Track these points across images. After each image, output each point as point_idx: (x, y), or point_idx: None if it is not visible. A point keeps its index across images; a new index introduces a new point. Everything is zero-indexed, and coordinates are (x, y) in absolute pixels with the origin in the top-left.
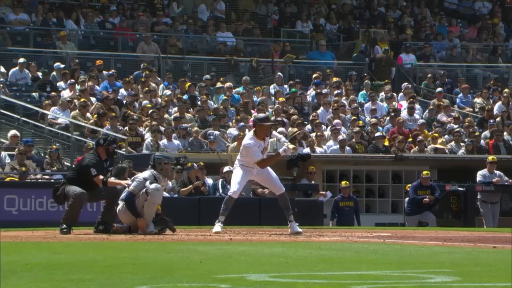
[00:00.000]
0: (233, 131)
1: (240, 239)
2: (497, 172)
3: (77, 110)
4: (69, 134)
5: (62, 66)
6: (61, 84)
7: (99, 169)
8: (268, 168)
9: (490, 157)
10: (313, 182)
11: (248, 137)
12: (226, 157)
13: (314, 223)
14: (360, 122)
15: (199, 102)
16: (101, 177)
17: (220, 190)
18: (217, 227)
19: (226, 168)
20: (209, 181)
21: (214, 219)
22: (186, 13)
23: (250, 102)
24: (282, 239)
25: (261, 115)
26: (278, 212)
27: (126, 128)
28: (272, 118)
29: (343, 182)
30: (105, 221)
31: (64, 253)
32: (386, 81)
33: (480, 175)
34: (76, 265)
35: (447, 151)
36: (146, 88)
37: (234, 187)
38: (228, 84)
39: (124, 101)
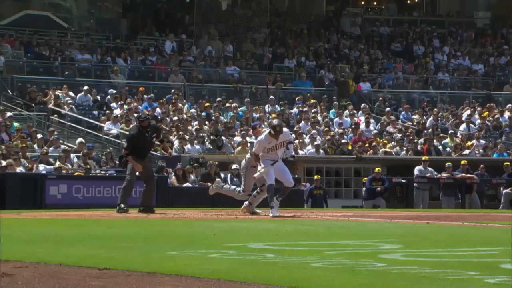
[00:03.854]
0: (238, 138)
1: (243, 217)
2: (429, 168)
3: (123, 124)
4: (119, 141)
5: (115, 92)
6: (113, 105)
7: (140, 138)
8: (283, 163)
9: (424, 157)
10: (296, 176)
11: (264, 133)
12: (233, 158)
13: (297, 206)
14: (331, 132)
15: (213, 118)
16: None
17: (229, 182)
18: (275, 211)
19: (233, 166)
20: (222, 175)
21: (225, 204)
22: (203, 53)
23: (251, 117)
24: (274, 218)
25: (275, 123)
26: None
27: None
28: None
29: (315, 176)
30: (145, 205)
31: (116, 228)
32: (349, 102)
33: (417, 169)
34: (124, 237)
35: (393, 153)
36: (174, 108)
37: (269, 178)
38: (234, 104)
39: (159, 117)
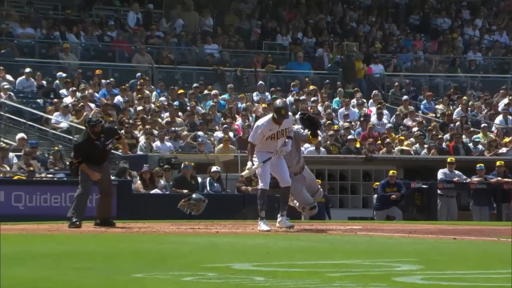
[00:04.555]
0: (219, 134)
1: (225, 231)
2: (456, 171)
3: (75, 116)
4: (71, 137)
5: (65, 75)
6: (63, 91)
7: (90, 148)
8: (283, 159)
9: (449, 158)
10: None
11: (265, 117)
12: (213, 158)
13: (292, 218)
14: (335, 126)
15: (188, 108)
16: (75, 160)
17: (208, 188)
18: (263, 225)
19: (213, 168)
20: (199, 179)
21: (204, 216)
22: (176, 28)
23: (235, 108)
24: (264, 232)
25: (279, 104)
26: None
27: (122, 131)
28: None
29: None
30: (102, 217)
31: (67, 244)
32: (356, 89)
33: (441, 173)
34: (78, 255)
35: (412, 152)
36: (140, 95)
37: (262, 181)
38: (214, 92)
39: (121, 107)
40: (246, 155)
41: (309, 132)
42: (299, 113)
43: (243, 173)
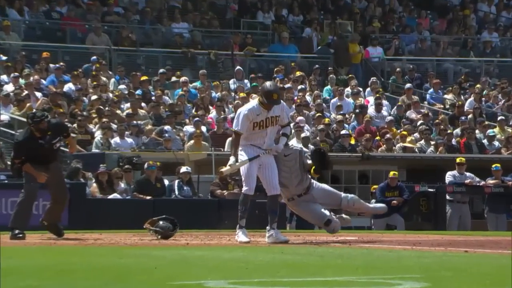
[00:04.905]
0: (189, 128)
1: (197, 243)
2: (467, 173)
3: (16, 107)
4: (13, 132)
5: (5, 58)
6: (3, 78)
7: (32, 147)
8: (274, 161)
9: (458, 159)
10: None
11: (251, 102)
12: (183, 156)
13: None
14: (325, 119)
15: (153, 98)
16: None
17: (176, 192)
18: (242, 236)
19: (183, 169)
20: (165, 182)
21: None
22: (138, 4)
23: (208, 97)
24: (242, 244)
25: (269, 87)
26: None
27: (75, 125)
28: (231, 115)
29: None
30: (50, 221)
31: (10, 259)
32: (351, 75)
33: (450, 175)
34: (23, 271)
35: (416, 150)
36: (95, 82)
37: (247, 184)
38: (184, 79)
39: (73, 96)
40: (221, 153)
41: (313, 166)
42: (313, 147)
43: (222, 169)
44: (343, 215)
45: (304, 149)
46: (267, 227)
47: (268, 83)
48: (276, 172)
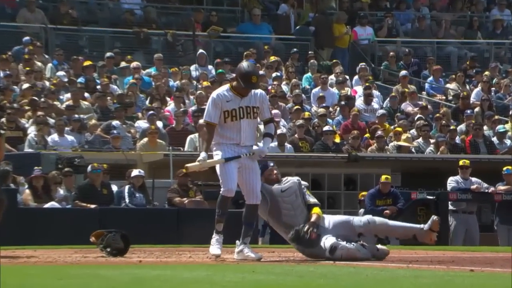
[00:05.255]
0: (142, 124)
1: (152, 261)
2: (473, 178)
3: None
4: None
5: None
6: None
7: None
8: (256, 164)
9: (461, 161)
10: None
11: (221, 87)
12: (135, 157)
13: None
14: (305, 113)
15: (98, 87)
16: None
17: (127, 200)
18: (215, 248)
19: (134, 172)
20: (114, 187)
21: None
22: None
23: (165, 87)
24: (206, 261)
25: (247, 67)
26: (203, 225)
27: (3, 119)
28: (193, 108)
29: None
30: None
31: None
32: (336, 60)
33: (452, 181)
34: None
35: (413, 150)
36: (28, 68)
37: (225, 184)
38: (136, 64)
39: (0, 85)
40: (181, 153)
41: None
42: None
43: (188, 165)
44: (379, 245)
45: (303, 182)
46: (237, 241)
47: (245, 63)
48: (259, 177)
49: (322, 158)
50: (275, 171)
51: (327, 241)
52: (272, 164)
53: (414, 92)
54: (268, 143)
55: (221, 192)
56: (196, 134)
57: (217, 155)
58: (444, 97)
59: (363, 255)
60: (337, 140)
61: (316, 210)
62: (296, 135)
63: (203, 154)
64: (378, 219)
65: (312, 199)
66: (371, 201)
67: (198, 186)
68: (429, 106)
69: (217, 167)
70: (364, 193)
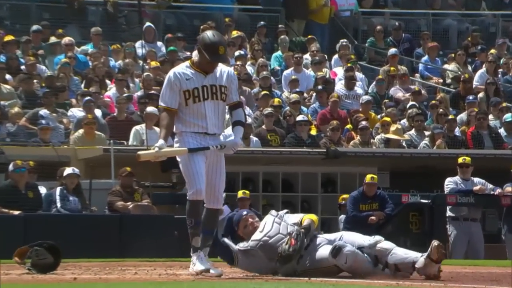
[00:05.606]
0: (77, 112)
1: (90, 278)
2: (476, 179)
3: None
4: None
5: None
6: None
7: None
8: (223, 159)
9: (461, 158)
10: None
11: (181, 65)
12: (68, 153)
13: None
14: (275, 99)
15: (23, 67)
16: None
17: (58, 204)
18: (198, 263)
19: (68, 171)
20: (42, 189)
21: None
22: None
23: (105, 67)
24: (154, 278)
25: (212, 37)
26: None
27: None
28: (139, 93)
29: (239, 192)
30: None
31: None
32: (311, 36)
33: (451, 181)
34: None
35: (404, 144)
36: None
37: (192, 183)
38: (68, 40)
39: None
40: (124, 148)
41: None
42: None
43: (141, 152)
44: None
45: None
46: (191, 252)
47: (209, 32)
48: (224, 178)
49: (295, 154)
50: (250, 220)
51: (324, 248)
52: (245, 213)
53: (405, 75)
54: (240, 133)
55: (188, 196)
56: (143, 125)
57: (178, 147)
58: (441, 80)
59: (373, 270)
60: (313, 132)
61: (308, 216)
62: (263, 126)
63: (160, 141)
64: (386, 241)
65: (299, 216)
66: (354, 205)
67: (146, 187)
68: (423, 91)
69: (181, 164)
70: (345, 196)
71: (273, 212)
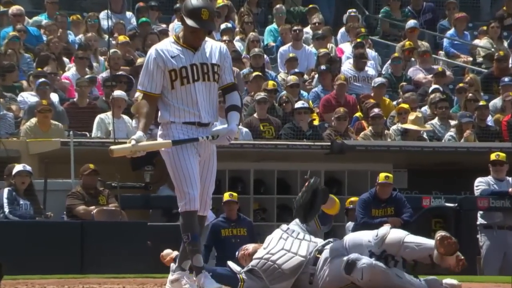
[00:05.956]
0: (28, 96)
1: None
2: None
3: None
4: None
5: None
6: None
7: None
8: (215, 154)
9: (494, 154)
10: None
11: (164, 40)
12: (17, 147)
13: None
14: (269, 82)
15: None
16: None
17: (6, 209)
18: (207, 284)
19: (17, 168)
20: None
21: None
22: None
23: (62, 42)
24: None
25: (192, 1)
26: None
27: None
28: (104, 75)
29: (226, 194)
30: None
31: None
32: (312, 6)
33: (482, 182)
34: None
35: (425, 136)
36: None
37: (183, 191)
38: (17, 9)
39: None
40: (87, 141)
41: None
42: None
43: (114, 147)
44: (446, 280)
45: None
46: (172, 265)
47: None
48: (214, 178)
49: (293, 148)
50: (242, 253)
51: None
52: (237, 253)
53: (427, 52)
54: (236, 119)
55: (180, 208)
56: (109, 113)
57: (160, 137)
58: (470, 59)
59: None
60: (316, 121)
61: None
62: (255, 115)
63: (138, 133)
64: (393, 232)
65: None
66: (364, 210)
67: (113, 188)
68: (448, 72)
69: (169, 166)
70: (353, 198)
71: (283, 226)
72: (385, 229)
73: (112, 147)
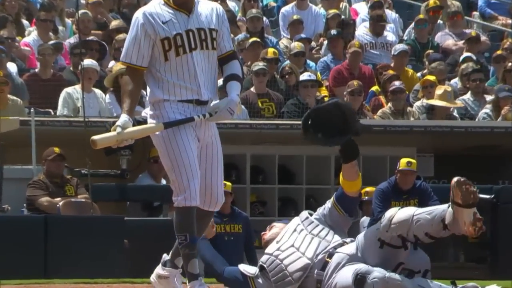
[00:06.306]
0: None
1: None
2: None
3: None
4: None
5: None
6: None
7: None
8: (218, 137)
9: None
10: (164, 182)
11: (151, 2)
12: None
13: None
14: (269, 50)
15: None
16: None
17: None
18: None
19: None
20: None
21: None
22: None
23: (21, 1)
24: None
25: None
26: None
27: None
28: (71, 41)
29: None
30: None
31: None
32: None
33: None
34: None
35: (455, 114)
36: None
37: (180, 182)
38: None
39: None
40: (52, 119)
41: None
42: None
43: (96, 137)
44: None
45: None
46: (165, 255)
47: None
48: (221, 165)
49: (298, 129)
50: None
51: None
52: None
53: (458, 13)
54: (237, 89)
55: (175, 202)
56: (77, 87)
57: (153, 123)
58: (510, 22)
59: None
60: (325, 97)
61: None
62: (252, 89)
63: (123, 118)
64: (400, 212)
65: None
66: (382, 202)
67: (82, 177)
68: (483, 38)
69: (161, 154)
70: (369, 189)
71: (303, 214)
72: (393, 209)
73: (95, 137)
